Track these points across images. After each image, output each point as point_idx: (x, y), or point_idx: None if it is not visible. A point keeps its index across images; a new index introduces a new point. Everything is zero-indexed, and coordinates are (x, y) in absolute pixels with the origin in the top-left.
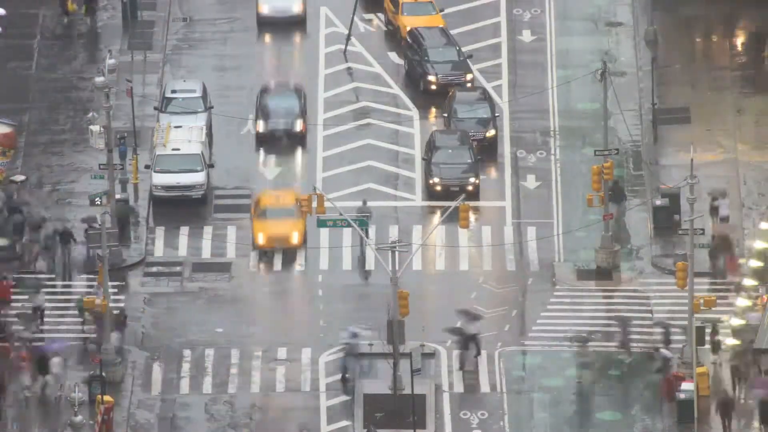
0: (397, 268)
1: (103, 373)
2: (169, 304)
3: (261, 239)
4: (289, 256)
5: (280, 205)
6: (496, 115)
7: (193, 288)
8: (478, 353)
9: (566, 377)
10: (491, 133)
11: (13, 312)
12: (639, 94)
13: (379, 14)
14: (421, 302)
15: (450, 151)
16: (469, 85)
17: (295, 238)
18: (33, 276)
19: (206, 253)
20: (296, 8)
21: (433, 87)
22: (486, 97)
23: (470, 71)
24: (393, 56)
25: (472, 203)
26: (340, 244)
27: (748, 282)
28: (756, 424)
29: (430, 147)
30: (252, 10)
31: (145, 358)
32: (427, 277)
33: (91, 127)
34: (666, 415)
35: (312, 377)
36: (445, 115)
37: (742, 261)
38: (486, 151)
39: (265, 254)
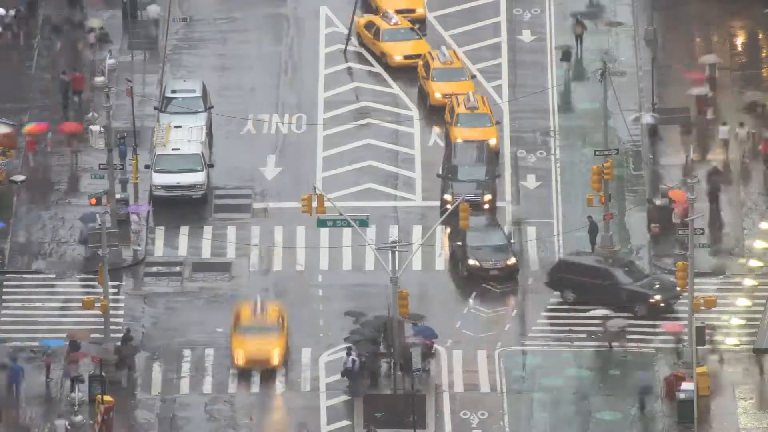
0: (397, 268)
1: (103, 373)
2: (169, 304)
3: (240, 358)
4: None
5: (260, 322)
6: (512, 241)
7: (193, 288)
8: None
9: (566, 377)
10: (512, 261)
11: None
12: (639, 94)
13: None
14: (422, 302)
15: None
16: (486, 206)
17: (276, 359)
18: None
19: (206, 253)
20: None
21: (448, 206)
22: (496, 222)
23: (489, 191)
24: None
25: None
26: (341, 244)
27: (749, 282)
28: None
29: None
30: (252, 11)
31: (145, 358)
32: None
33: (91, 127)
34: (666, 415)
35: (312, 377)
36: (459, 243)
37: None
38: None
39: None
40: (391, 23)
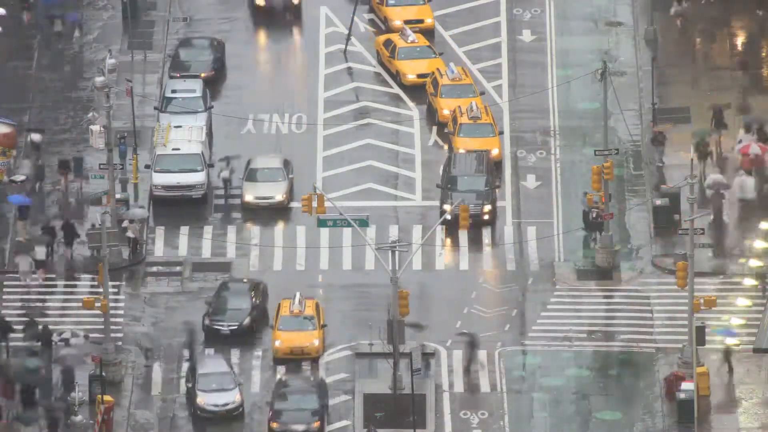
0: (397, 268)
1: (103, 373)
2: (169, 304)
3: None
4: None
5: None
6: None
7: (193, 288)
8: None
9: (566, 377)
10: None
11: None
12: (639, 94)
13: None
14: (422, 302)
15: None
16: (486, 217)
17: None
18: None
19: (206, 253)
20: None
21: (448, 216)
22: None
23: (489, 202)
24: None
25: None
26: (341, 244)
27: (749, 282)
28: None
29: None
30: (252, 11)
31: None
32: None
33: (92, 126)
34: (666, 415)
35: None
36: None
37: None
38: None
39: None
40: (408, 41)
